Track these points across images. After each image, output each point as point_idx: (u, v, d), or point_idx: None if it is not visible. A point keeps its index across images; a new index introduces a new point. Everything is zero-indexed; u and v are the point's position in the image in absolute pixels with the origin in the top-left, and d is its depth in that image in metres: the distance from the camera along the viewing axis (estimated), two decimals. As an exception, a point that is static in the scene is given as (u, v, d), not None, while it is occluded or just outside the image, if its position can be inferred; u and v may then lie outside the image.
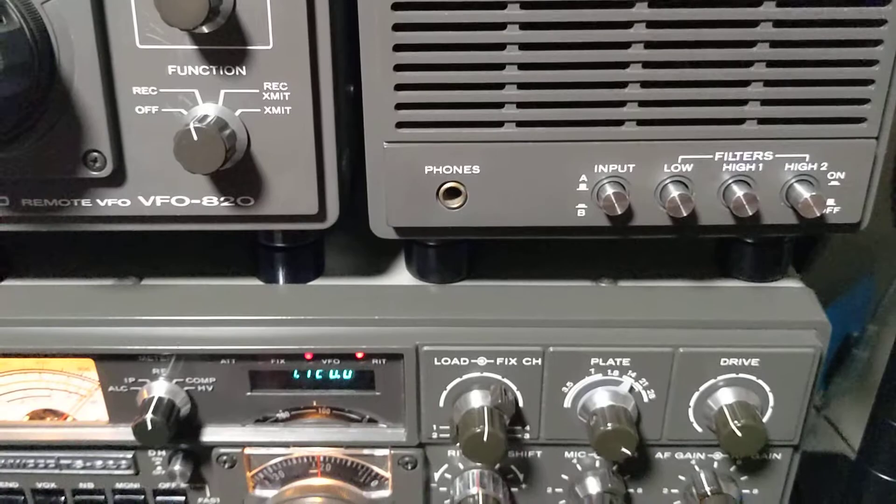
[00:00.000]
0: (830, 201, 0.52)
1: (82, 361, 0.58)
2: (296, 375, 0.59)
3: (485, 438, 0.54)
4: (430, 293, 0.60)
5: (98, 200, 0.52)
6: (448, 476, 0.62)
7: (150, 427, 0.56)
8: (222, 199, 0.52)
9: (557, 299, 0.59)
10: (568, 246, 0.64)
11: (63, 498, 0.63)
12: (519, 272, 0.61)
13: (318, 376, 0.59)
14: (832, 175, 0.51)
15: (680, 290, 0.60)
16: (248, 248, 0.61)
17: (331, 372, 0.59)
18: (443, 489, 0.62)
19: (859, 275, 0.83)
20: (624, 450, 0.55)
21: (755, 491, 0.62)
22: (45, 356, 0.58)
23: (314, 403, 0.59)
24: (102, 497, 0.63)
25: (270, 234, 0.59)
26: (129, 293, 0.59)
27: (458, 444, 0.57)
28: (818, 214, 0.50)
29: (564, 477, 0.62)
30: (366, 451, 0.60)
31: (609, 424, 0.55)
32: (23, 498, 0.63)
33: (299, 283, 0.60)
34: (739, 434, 0.55)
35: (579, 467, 0.61)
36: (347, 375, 0.59)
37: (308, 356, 0.57)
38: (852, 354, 0.83)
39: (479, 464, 0.61)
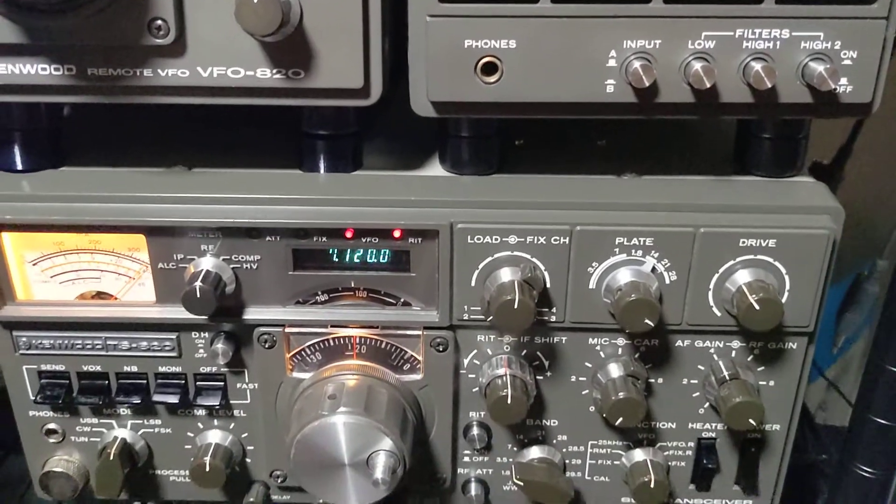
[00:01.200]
0: (843, 80, 0.55)
1: (134, 239, 0.61)
2: (335, 258, 0.62)
3: (515, 305, 0.57)
4: (463, 182, 0.63)
5: (159, 70, 0.56)
6: (477, 362, 0.65)
7: (198, 294, 0.59)
8: (274, 70, 0.55)
9: (584, 187, 0.62)
10: (593, 145, 0.67)
11: (107, 381, 0.66)
12: (547, 167, 0.65)
13: (356, 259, 0.62)
14: (845, 54, 0.55)
15: (701, 182, 0.63)
16: (292, 140, 0.64)
17: (369, 254, 0.62)
18: (471, 376, 0.65)
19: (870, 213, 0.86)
20: (647, 320, 0.58)
21: (771, 382, 0.65)
22: (100, 230, 0.61)
23: (352, 284, 0.62)
24: (145, 380, 0.66)
25: (314, 122, 0.62)
26: (180, 177, 0.63)
27: (489, 319, 0.60)
28: (832, 87, 0.54)
29: (588, 364, 0.64)
30: (399, 332, 0.63)
31: (633, 295, 0.58)
32: (68, 381, 0.66)
33: (339, 172, 0.64)
34: (757, 307, 0.58)
35: (602, 354, 0.64)
36: (384, 258, 0.62)
37: (348, 234, 0.60)
38: (863, 289, 0.86)
39: (507, 345, 0.64)
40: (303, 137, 0.63)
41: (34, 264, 0.63)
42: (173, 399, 0.65)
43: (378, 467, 0.60)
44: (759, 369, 0.64)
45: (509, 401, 0.61)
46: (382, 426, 0.60)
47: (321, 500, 0.64)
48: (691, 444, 0.67)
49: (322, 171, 0.64)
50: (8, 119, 0.61)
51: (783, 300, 0.60)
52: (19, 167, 0.63)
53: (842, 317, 0.90)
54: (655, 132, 0.71)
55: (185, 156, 0.65)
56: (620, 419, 0.61)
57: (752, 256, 0.60)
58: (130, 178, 0.62)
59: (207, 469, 0.65)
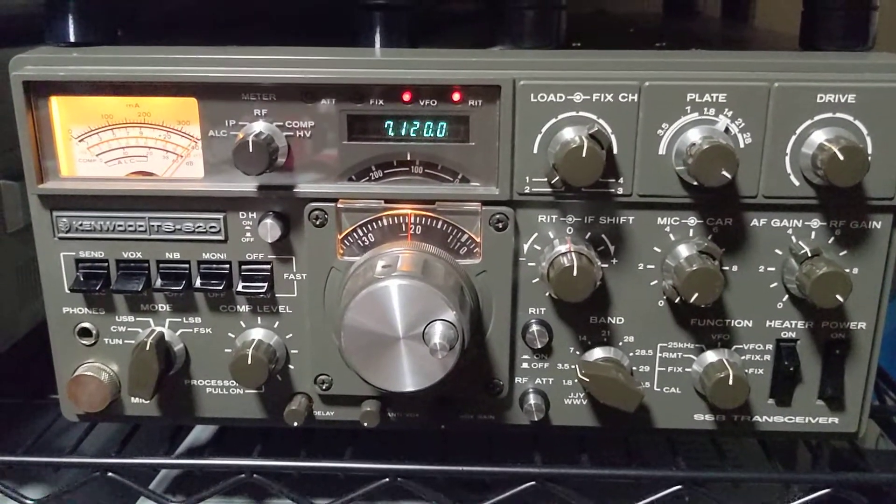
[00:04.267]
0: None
1: (184, 107, 0.59)
2: (391, 130, 0.59)
3: (583, 153, 0.54)
4: (525, 52, 0.61)
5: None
6: (538, 247, 0.61)
7: (251, 148, 0.56)
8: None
9: (653, 51, 0.60)
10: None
11: (147, 270, 0.63)
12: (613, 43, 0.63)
13: (413, 132, 0.59)
14: None
15: (771, 53, 0.61)
16: (348, 17, 0.63)
17: (426, 126, 0.59)
18: (531, 264, 0.61)
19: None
20: (724, 171, 0.54)
21: (855, 270, 0.60)
22: (152, 92, 0.59)
23: (408, 157, 0.60)
24: (187, 268, 0.62)
25: (370, -8, 0.61)
26: (232, 48, 0.61)
27: (553, 181, 0.57)
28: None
29: (657, 249, 0.60)
30: (457, 210, 0.60)
31: (707, 144, 0.55)
32: (106, 270, 0.63)
33: (393, 45, 0.62)
34: (842, 157, 0.54)
35: (672, 236, 0.60)
36: (441, 132, 0.59)
37: (406, 96, 0.58)
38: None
39: (570, 227, 0.60)
40: (358, 11, 0.62)
41: (80, 140, 0.61)
42: (216, 285, 0.62)
43: (436, 335, 0.55)
44: (842, 254, 0.60)
45: (575, 272, 0.57)
46: (441, 293, 0.56)
47: (372, 389, 0.59)
48: (769, 346, 0.62)
49: (378, 46, 0.62)
50: (64, -10, 0.61)
51: (865, 166, 0.57)
52: (72, 39, 0.62)
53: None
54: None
55: (238, 30, 0.64)
56: (696, 295, 0.57)
57: (830, 115, 0.57)
58: (184, 50, 0.61)
59: (249, 361, 0.61)
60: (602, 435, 0.66)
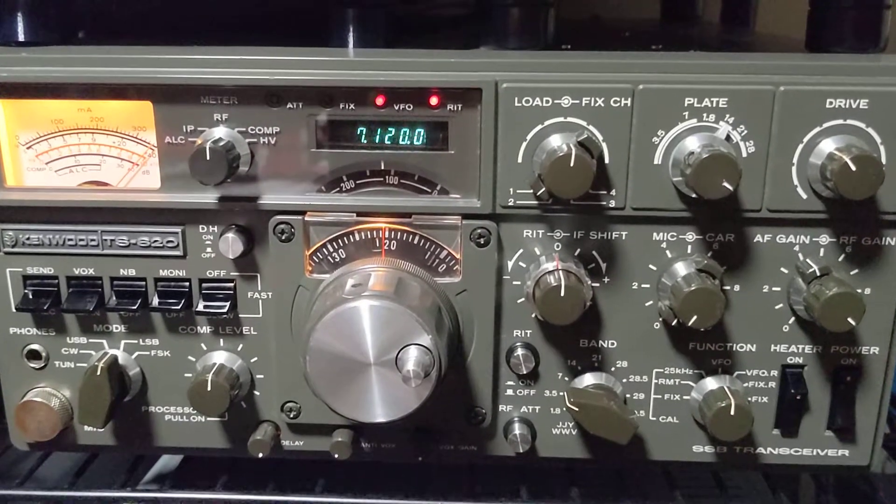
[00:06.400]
0: None
1: (140, 112, 0.55)
2: (364, 137, 0.55)
3: (571, 162, 0.50)
4: (509, 54, 0.57)
5: None
6: (522, 264, 0.56)
7: (208, 155, 0.51)
8: None
9: (649, 52, 0.56)
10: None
11: (100, 287, 0.58)
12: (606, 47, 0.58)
13: (387, 138, 0.55)
14: None
15: (776, 55, 0.57)
16: (320, 17, 0.58)
17: (402, 133, 0.55)
18: (516, 282, 0.56)
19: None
20: (725, 183, 0.50)
21: (867, 290, 0.55)
22: (104, 95, 0.55)
23: (382, 166, 0.55)
24: (143, 286, 0.58)
25: (345, -11, 0.57)
26: (194, 48, 0.57)
27: (538, 192, 0.52)
28: None
29: (652, 267, 0.56)
30: (435, 223, 0.55)
31: (707, 153, 0.50)
32: (56, 288, 0.58)
33: (370, 48, 0.58)
34: (853, 167, 0.50)
35: (669, 253, 0.55)
36: (419, 139, 0.55)
37: (379, 100, 0.54)
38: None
39: (557, 243, 0.55)
40: (331, 8, 0.57)
41: (28, 147, 0.57)
42: (175, 305, 0.57)
43: (410, 361, 0.50)
44: (853, 273, 0.55)
45: (563, 292, 0.52)
46: (416, 314, 0.51)
47: (343, 418, 0.54)
48: (774, 372, 0.58)
49: (351, 46, 0.58)
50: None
51: (879, 175, 0.52)
52: (21, 38, 0.57)
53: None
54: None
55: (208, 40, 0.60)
56: (695, 317, 0.52)
57: (840, 121, 0.52)
58: (141, 50, 0.56)
59: (209, 387, 0.56)
60: (593, 466, 0.61)
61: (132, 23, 0.63)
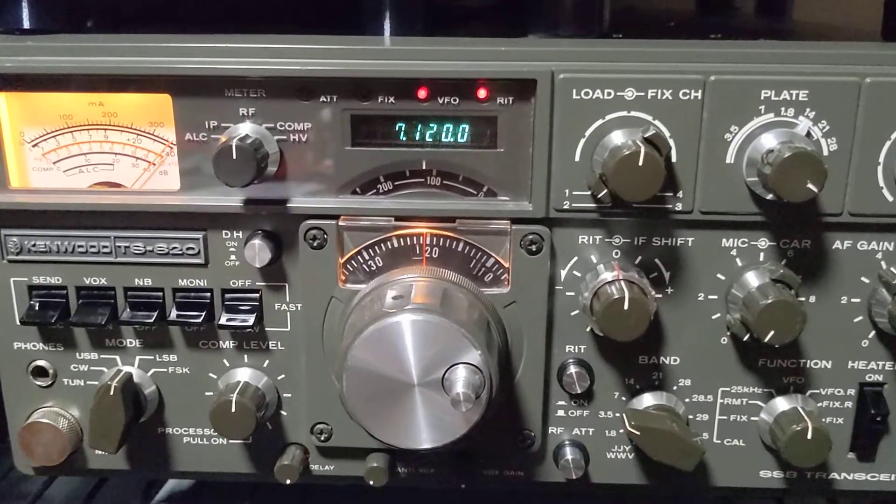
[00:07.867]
0: None
1: (157, 105, 0.50)
2: (403, 134, 0.50)
3: (640, 161, 0.45)
4: (565, 42, 0.52)
5: None
6: (577, 273, 0.51)
7: (234, 153, 0.46)
8: None
9: (717, 41, 0.51)
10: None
11: (113, 299, 0.53)
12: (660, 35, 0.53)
13: (429, 135, 0.50)
14: None
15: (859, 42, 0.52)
16: (348, 1, 0.53)
17: (445, 129, 0.50)
18: (570, 293, 0.51)
19: None
20: (810, 184, 0.45)
21: (956, 302, 0.50)
22: (119, 87, 0.50)
23: (423, 166, 0.50)
24: (160, 297, 0.53)
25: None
26: (215, 36, 0.52)
27: (600, 195, 0.47)
28: None
29: (720, 276, 0.51)
30: (481, 229, 0.50)
31: (789, 151, 0.45)
32: (65, 299, 0.53)
33: (406, 34, 0.53)
34: (953, 167, 0.45)
35: (739, 261, 0.51)
36: (464, 136, 0.50)
37: (421, 93, 0.49)
38: None
39: (616, 250, 0.50)
40: (366, -5, 0.53)
41: (34, 145, 0.52)
42: (195, 317, 0.52)
43: (459, 383, 0.45)
44: (942, 283, 0.50)
45: (626, 305, 0.47)
46: (463, 330, 0.46)
47: (379, 442, 0.49)
48: (851, 391, 0.53)
49: (387, 33, 0.53)
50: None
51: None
52: (26, 25, 0.52)
53: None
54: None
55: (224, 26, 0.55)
56: (772, 333, 0.47)
57: (934, 116, 0.47)
58: (159, 38, 0.51)
59: (234, 408, 0.51)
60: (650, 494, 0.56)
61: (145, 11, 0.58)
